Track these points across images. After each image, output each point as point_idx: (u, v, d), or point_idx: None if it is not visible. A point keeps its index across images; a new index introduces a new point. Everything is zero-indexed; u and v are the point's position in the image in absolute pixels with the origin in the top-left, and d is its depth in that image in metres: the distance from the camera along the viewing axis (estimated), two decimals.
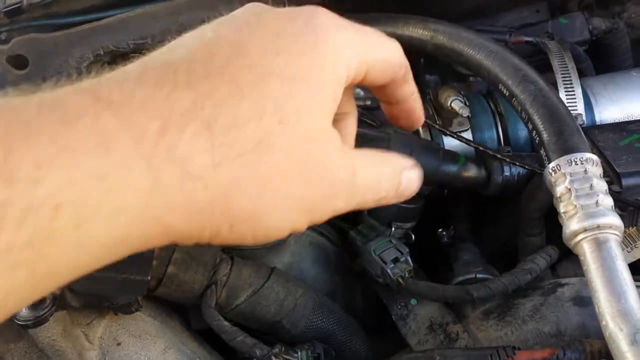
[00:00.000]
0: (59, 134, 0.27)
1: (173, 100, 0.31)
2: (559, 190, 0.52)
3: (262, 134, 0.32)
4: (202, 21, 0.87)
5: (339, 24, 0.38)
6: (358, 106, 0.75)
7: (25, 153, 0.26)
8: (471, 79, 0.83)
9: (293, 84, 0.34)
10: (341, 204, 0.38)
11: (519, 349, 0.51)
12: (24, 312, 0.49)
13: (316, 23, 0.37)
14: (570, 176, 0.52)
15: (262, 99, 0.33)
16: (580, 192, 0.51)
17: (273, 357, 0.55)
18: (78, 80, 0.31)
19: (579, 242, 0.49)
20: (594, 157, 0.53)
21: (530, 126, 0.58)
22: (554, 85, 0.72)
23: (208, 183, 0.31)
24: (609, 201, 0.50)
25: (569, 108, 0.59)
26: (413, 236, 0.72)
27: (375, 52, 0.40)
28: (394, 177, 0.41)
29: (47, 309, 0.50)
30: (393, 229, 0.71)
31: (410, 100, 0.47)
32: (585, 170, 0.52)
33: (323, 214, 0.37)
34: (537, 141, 0.57)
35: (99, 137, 0.28)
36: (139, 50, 0.75)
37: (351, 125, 0.45)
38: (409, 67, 0.44)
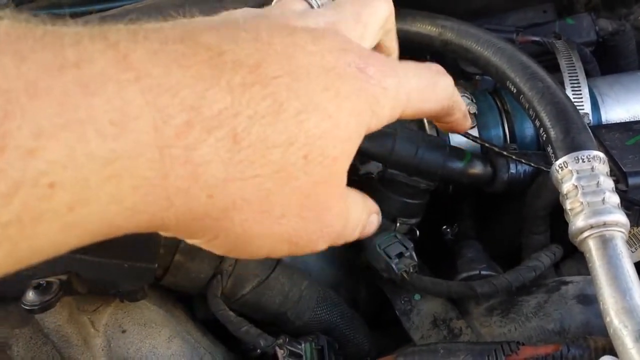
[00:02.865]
0: (72, 102, 0.24)
1: (210, 98, 0.28)
2: (566, 187, 0.52)
3: (284, 163, 0.31)
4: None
5: (386, 75, 0.38)
6: None
7: (27, 118, 0.23)
8: (477, 77, 0.83)
9: (329, 124, 0.33)
10: (323, 246, 0.38)
11: (523, 344, 0.51)
12: (31, 296, 0.50)
13: (369, 72, 0.37)
14: (577, 173, 0.52)
15: (297, 128, 0.31)
16: (586, 189, 0.51)
17: (277, 348, 0.55)
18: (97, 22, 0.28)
19: (584, 239, 0.49)
20: (601, 154, 0.53)
21: (538, 123, 0.58)
22: (561, 84, 0.72)
23: (214, 194, 0.30)
24: (615, 199, 0.50)
25: (577, 107, 0.59)
26: (418, 232, 0.72)
27: (413, 105, 0.40)
28: (365, 220, 0.42)
29: (54, 294, 0.50)
30: (398, 224, 0.71)
31: (452, 125, 0.48)
32: (592, 168, 0.52)
33: (303, 250, 0.37)
34: (544, 138, 0.57)
35: (116, 115, 0.25)
36: None
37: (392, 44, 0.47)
38: (452, 105, 0.45)
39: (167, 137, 0.27)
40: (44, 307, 0.50)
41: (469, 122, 0.51)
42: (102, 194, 0.26)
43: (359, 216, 0.42)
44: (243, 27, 0.33)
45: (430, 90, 0.42)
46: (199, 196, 0.29)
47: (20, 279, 0.51)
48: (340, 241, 0.40)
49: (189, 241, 0.34)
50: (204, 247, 0.34)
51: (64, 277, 0.51)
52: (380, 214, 0.44)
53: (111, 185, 0.26)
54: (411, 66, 0.41)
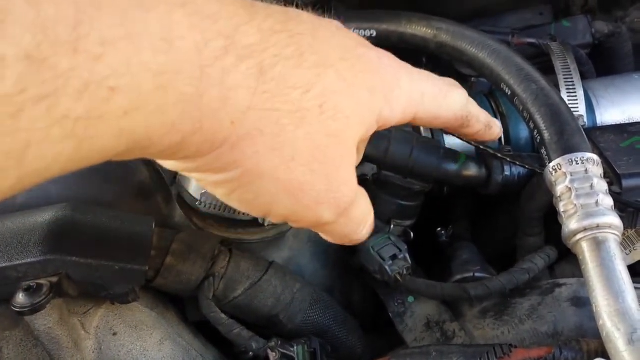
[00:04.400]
0: (129, 17, 0.27)
1: (242, 32, 0.32)
2: (559, 189, 0.52)
3: (301, 106, 0.34)
4: None
5: (401, 69, 0.41)
6: None
7: (94, 26, 0.25)
8: (473, 79, 0.83)
9: (344, 85, 0.36)
10: (327, 215, 0.38)
11: (516, 347, 0.51)
12: (21, 298, 0.49)
13: (385, 61, 0.40)
14: (571, 175, 0.52)
15: (315, 79, 0.34)
16: (580, 191, 0.51)
17: (269, 351, 0.55)
18: None
19: (578, 241, 0.49)
20: (595, 157, 0.53)
21: (532, 125, 0.58)
22: (556, 86, 0.72)
23: (236, 120, 0.32)
24: (609, 201, 0.50)
25: (571, 109, 0.59)
26: (412, 234, 0.72)
27: (427, 108, 0.43)
28: (370, 220, 0.43)
29: (44, 296, 0.49)
30: (392, 226, 0.71)
31: (477, 137, 0.51)
32: (586, 170, 0.52)
33: (306, 213, 0.37)
34: (538, 140, 0.57)
35: (166, 32, 0.28)
36: None
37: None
38: (466, 116, 0.48)
39: (206, 58, 0.30)
40: (34, 309, 0.50)
41: (496, 131, 0.53)
42: (151, 103, 0.28)
43: (367, 210, 0.42)
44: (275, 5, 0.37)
45: (442, 97, 0.45)
46: (224, 121, 0.31)
47: (11, 281, 0.51)
48: (344, 225, 0.40)
49: (198, 175, 0.35)
50: (210, 185, 0.36)
51: (54, 279, 0.51)
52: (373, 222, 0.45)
53: (158, 95, 0.28)
54: (425, 72, 0.44)
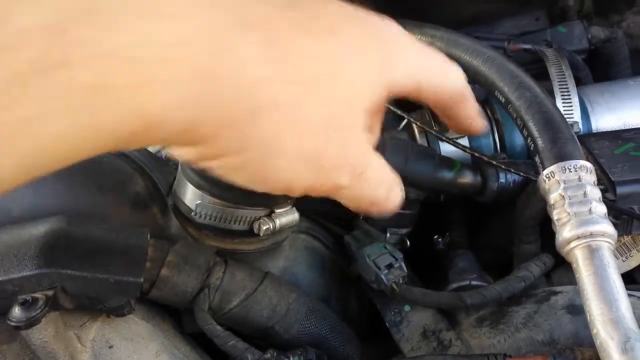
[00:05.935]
0: None
1: (253, 5, 0.32)
2: (553, 197, 0.52)
3: (314, 74, 0.34)
4: None
5: (403, 35, 0.41)
6: None
7: None
8: None
9: (353, 52, 0.36)
10: (343, 181, 0.38)
11: (510, 356, 0.51)
12: (17, 312, 0.49)
13: (395, 29, 0.41)
14: (564, 183, 0.52)
15: (325, 47, 0.34)
16: (573, 199, 0.51)
17: None
18: None
19: (571, 249, 0.49)
20: (588, 164, 0.53)
21: (525, 133, 0.58)
22: (551, 93, 0.72)
23: (248, 92, 0.31)
24: (602, 209, 0.50)
25: (566, 116, 0.59)
26: (408, 242, 0.72)
27: (430, 78, 0.43)
28: (390, 182, 0.43)
29: (39, 310, 0.49)
30: (388, 234, 0.71)
31: (464, 123, 0.50)
32: (579, 178, 0.52)
33: (325, 182, 0.38)
34: (531, 148, 0.57)
35: (179, 5, 0.29)
36: None
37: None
38: (465, 96, 0.47)
39: (218, 31, 0.30)
40: (30, 323, 0.50)
41: (483, 121, 0.52)
42: (165, 76, 0.28)
43: (382, 171, 0.42)
44: None
45: (446, 69, 0.45)
46: (237, 94, 0.31)
47: (6, 294, 0.51)
48: (362, 189, 0.40)
49: (217, 163, 0.35)
50: (231, 171, 0.35)
51: (49, 293, 0.51)
52: (402, 187, 0.44)
53: (172, 68, 0.28)
54: (428, 46, 0.44)
